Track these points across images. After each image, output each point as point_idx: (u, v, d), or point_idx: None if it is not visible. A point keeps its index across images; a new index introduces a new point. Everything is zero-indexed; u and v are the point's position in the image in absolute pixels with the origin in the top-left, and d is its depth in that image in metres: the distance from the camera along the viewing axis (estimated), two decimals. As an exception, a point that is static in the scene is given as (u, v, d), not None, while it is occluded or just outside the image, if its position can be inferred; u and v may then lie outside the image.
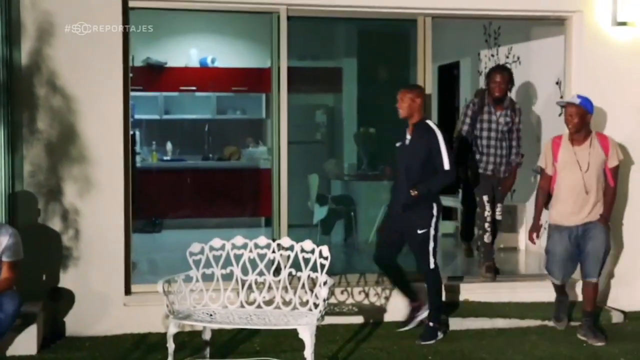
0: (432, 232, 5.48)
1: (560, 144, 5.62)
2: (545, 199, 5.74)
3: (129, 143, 5.94)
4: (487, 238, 6.50)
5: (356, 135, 8.87)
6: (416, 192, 5.40)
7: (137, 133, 9.63)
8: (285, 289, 4.85)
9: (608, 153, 5.55)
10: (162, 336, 4.66)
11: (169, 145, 10.09)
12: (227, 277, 4.91)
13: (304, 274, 4.82)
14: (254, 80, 9.88)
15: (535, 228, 5.74)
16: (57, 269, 5.73)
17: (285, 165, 6.26)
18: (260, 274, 4.89)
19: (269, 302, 4.88)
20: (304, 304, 4.79)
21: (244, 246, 4.92)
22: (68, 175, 5.70)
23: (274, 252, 4.93)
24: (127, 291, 5.86)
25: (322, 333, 5.26)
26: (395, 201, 5.66)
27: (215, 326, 4.75)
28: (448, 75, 9.76)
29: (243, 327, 5.06)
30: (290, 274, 4.87)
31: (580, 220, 5.54)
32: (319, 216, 8.28)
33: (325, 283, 4.66)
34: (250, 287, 4.90)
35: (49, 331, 5.58)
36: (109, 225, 5.76)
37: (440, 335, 5.56)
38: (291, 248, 4.90)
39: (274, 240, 5.07)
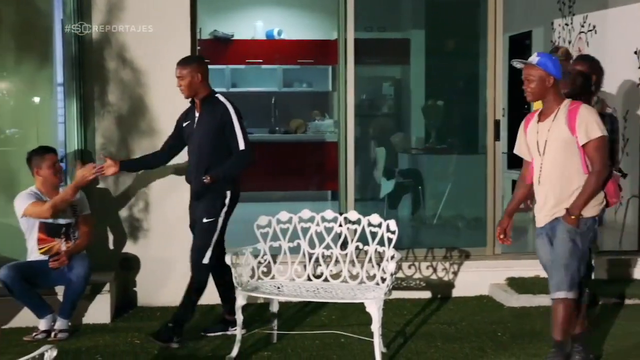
0: (220, 222, 4.84)
1: (531, 120, 4.30)
2: (525, 191, 4.42)
3: (196, 116, 5.97)
4: None
5: (424, 107, 8.74)
6: (208, 178, 4.74)
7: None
8: (352, 262, 4.82)
9: (574, 127, 4.06)
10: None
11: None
12: (294, 251, 4.91)
13: (371, 248, 4.78)
14: (321, 53, 9.83)
15: (501, 225, 4.45)
16: (128, 239, 5.83)
17: (351, 138, 6.21)
18: (327, 247, 4.87)
19: (335, 276, 4.86)
20: (371, 278, 4.75)
21: (311, 219, 4.90)
22: (137, 147, 5.78)
23: (340, 225, 4.89)
24: (196, 263, 5.92)
25: (389, 307, 5.23)
26: (191, 188, 5.00)
27: (283, 299, 4.76)
28: (519, 46, 9.49)
29: (310, 300, 5.06)
30: (357, 247, 4.84)
31: (545, 219, 4.22)
32: (386, 190, 8.22)
33: (392, 257, 4.60)
34: (317, 260, 4.89)
35: (121, 300, 5.71)
36: (178, 197, 5.81)
37: (175, 343, 4.78)
38: (358, 222, 4.85)
39: (340, 213, 5.03)
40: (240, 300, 4.59)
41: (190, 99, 4.95)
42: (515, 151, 4.43)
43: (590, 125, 4.03)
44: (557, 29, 8.72)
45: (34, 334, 4.97)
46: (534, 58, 4.16)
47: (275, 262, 4.89)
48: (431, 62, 8.85)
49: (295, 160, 9.70)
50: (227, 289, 4.98)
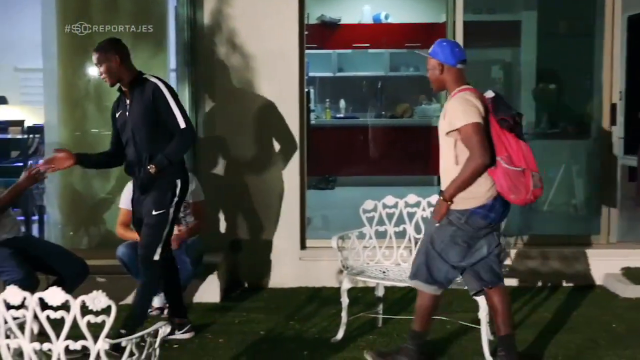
0: (170, 214, 4.37)
1: None
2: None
3: (304, 100, 6.02)
4: None
5: (535, 91, 8.47)
6: (154, 167, 4.26)
7: (312, 91, 9.78)
8: (459, 248, 4.75)
9: (445, 117, 3.90)
10: (336, 291, 4.73)
11: (342, 103, 10.18)
12: (400, 235, 4.88)
13: (479, 234, 4.68)
14: (428, 36, 9.64)
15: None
16: (237, 222, 5.96)
17: (460, 122, 6.09)
18: (434, 232, 4.82)
19: (442, 262, 4.80)
20: (478, 264, 4.67)
21: (417, 204, 4.85)
22: (246, 131, 5.88)
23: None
24: (302, 246, 6.00)
25: (497, 295, 5.12)
26: (134, 183, 4.52)
27: (388, 283, 4.74)
28: (639, 27, 9.05)
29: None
30: (465, 233, 4.76)
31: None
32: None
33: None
34: (423, 245, 4.84)
35: (230, 281, 5.85)
36: (285, 181, 5.90)
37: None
38: (466, 208, 4.77)
39: (448, 199, 4.96)
40: (346, 284, 4.61)
41: (117, 87, 4.47)
42: None
43: (453, 114, 3.82)
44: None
45: (149, 310, 5.16)
46: (431, 47, 4.00)
47: (381, 246, 4.88)
48: (543, 44, 8.56)
49: (401, 145, 9.63)
50: (172, 289, 4.69)
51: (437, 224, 3.93)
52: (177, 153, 4.34)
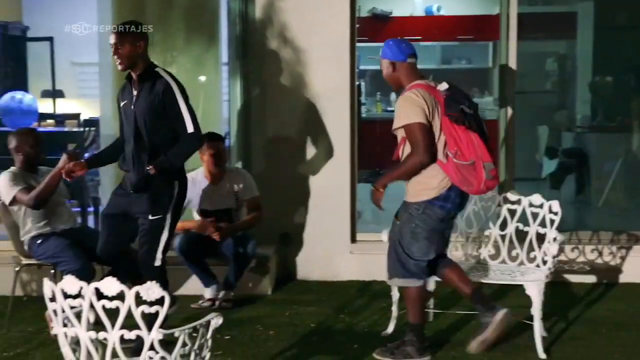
0: (168, 219, 4.12)
1: None
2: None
3: (355, 94, 6.01)
4: None
5: (591, 84, 8.33)
6: (153, 168, 4.01)
7: (362, 84, 9.75)
8: (511, 243, 4.70)
9: (395, 113, 4.08)
10: (386, 284, 4.70)
11: (393, 96, 10.11)
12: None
13: (532, 229, 4.62)
14: (481, 28, 9.57)
15: None
16: (288, 215, 5.98)
17: (512, 115, 6.02)
18: (485, 227, 4.77)
19: (493, 257, 4.76)
20: (531, 260, 4.61)
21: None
22: (297, 125, 5.90)
23: (499, 205, 4.77)
24: (353, 239, 5.99)
25: (550, 291, 5.04)
26: (124, 179, 4.27)
27: (439, 277, 4.70)
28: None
29: (467, 280, 4.98)
30: (516, 228, 4.70)
31: None
32: (548, 170, 7.93)
33: (554, 239, 4.43)
34: (474, 240, 4.80)
35: (281, 274, 5.88)
36: (336, 175, 5.90)
37: None
38: (518, 202, 4.71)
39: (499, 193, 4.91)
40: (397, 278, 4.59)
41: (127, 74, 4.19)
42: None
43: (397, 113, 4.02)
44: None
45: (200, 301, 5.23)
46: (380, 50, 4.17)
47: (432, 240, 4.85)
48: (600, 36, 8.40)
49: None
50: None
51: (398, 222, 4.10)
52: (182, 157, 4.11)
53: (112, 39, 4.02)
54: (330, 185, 5.89)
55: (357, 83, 6.16)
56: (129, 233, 4.28)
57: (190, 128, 4.02)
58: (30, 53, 9.50)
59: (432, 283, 4.81)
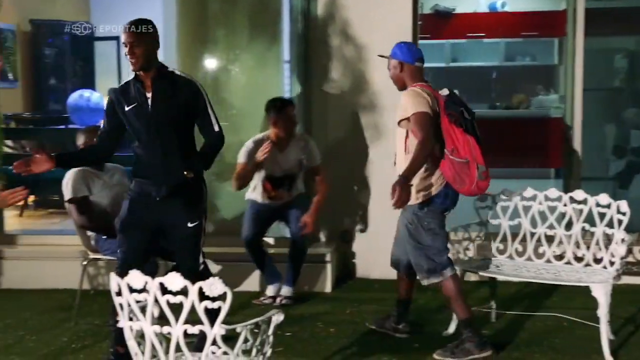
0: (204, 224, 4.03)
1: None
2: None
3: (417, 91, 5.95)
4: None
5: (663, 81, 8.09)
6: (191, 173, 3.81)
7: (424, 81, 9.67)
8: (577, 244, 4.60)
9: (399, 106, 4.24)
10: (447, 284, 4.68)
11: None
12: (515, 229, 4.77)
13: (599, 230, 4.52)
14: (546, 24, 9.38)
15: None
16: (348, 213, 5.98)
17: (579, 114, 5.90)
18: (550, 227, 4.68)
19: (559, 257, 4.66)
20: (597, 261, 4.50)
21: (533, 198, 4.72)
22: (358, 122, 5.88)
23: (565, 205, 4.67)
24: (413, 237, 5.95)
25: (618, 293, 4.90)
26: (150, 185, 3.92)
27: (502, 278, 4.64)
28: None
29: (531, 281, 4.89)
30: (583, 228, 4.60)
31: None
32: (616, 169, 7.73)
33: (622, 240, 4.32)
34: (539, 240, 4.71)
35: (341, 271, 5.88)
36: (396, 172, 5.85)
37: None
38: (584, 202, 4.61)
39: (565, 192, 4.81)
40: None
41: (133, 76, 3.90)
42: None
43: (403, 105, 4.17)
44: None
45: (262, 298, 5.27)
46: (391, 50, 4.37)
47: (494, 240, 4.78)
48: (672, 31, 8.14)
49: (516, 137, 9.38)
50: None
51: (409, 226, 4.24)
52: (213, 158, 3.96)
53: (127, 38, 3.78)
54: (391, 183, 5.84)
55: (419, 80, 6.10)
56: (151, 246, 4.04)
57: (216, 127, 3.93)
58: (98, 52, 9.74)
59: (494, 283, 4.75)
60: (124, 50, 3.80)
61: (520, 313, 4.86)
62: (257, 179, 5.32)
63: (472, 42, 10.08)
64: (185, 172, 3.79)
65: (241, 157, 5.27)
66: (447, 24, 9.81)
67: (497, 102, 9.89)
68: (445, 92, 4.26)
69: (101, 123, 4.05)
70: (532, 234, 4.72)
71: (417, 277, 4.33)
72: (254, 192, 5.38)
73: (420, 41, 6.01)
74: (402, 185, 3.95)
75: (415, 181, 4.13)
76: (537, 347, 4.38)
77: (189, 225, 3.94)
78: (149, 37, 3.81)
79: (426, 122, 4.08)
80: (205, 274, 3.92)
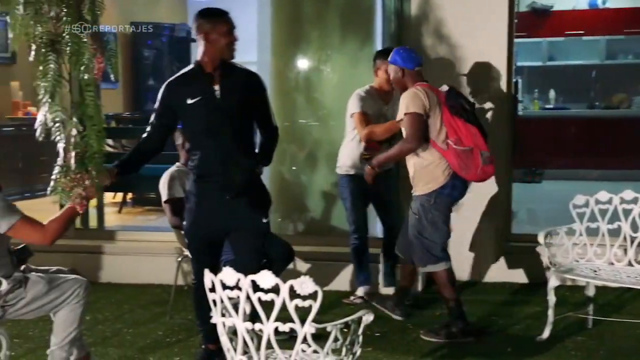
0: (270, 219, 3.93)
1: None
2: None
3: (511, 91, 5.84)
4: None
5: None
6: (261, 168, 3.82)
7: (519, 81, 9.48)
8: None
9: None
10: (541, 287, 4.56)
11: (552, 93, 9.77)
12: (614, 233, 4.60)
13: None
14: (650, 21, 9.05)
15: None
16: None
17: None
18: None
19: (662, 263, 4.47)
20: None
21: (634, 200, 4.55)
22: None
23: (671, 208, 4.48)
24: (508, 240, 5.83)
25: None
26: (219, 184, 3.71)
27: (600, 283, 4.49)
28: None
29: (631, 287, 4.71)
30: (689, 233, 4.40)
31: None
32: None
33: None
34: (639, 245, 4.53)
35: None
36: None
37: None
38: (691, 205, 4.41)
39: (670, 195, 4.61)
40: (553, 281, 4.42)
41: (190, 68, 3.80)
42: None
43: (402, 105, 4.45)
44: None
45: (352, 298, 5.27)
46: (390, 56, 4.65)
47: (592, 244, 4.63)
48: None
49: (616, 137, 9.08)
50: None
51: (414, 216, 4.50)
52: (274, 152, 3.88)
53: (231, 25, 3.70)
54: (485, 184, 5.72)
55: (514, 80, 5.98)
56: (219, 250, 3.90)
57: (275, 121, 3.88)
58: (194, 53, 9.98)
59: (591, 288, 4.60)
60: (224, 40, 3.65)
61: (620, 320, 4.69)
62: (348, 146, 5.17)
63: (570, 40, 9.81)
64: (260, 165, 3.79)
65: (356, 107, 5.05)
66: (545, 21, 9.59)
67: (596, 101, 9.59)
68: (445, 88, 4.55)
69: (151, 117, 3.87)
70: (633, 239, 4.54)
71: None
72: (348, 161, 5.14)
73: (516, 39, 5.87)
74: (369, 170, 4.60)
75: (425, 171, 4.44)
76: (636, 356, 4.21)
77: (264, 220, 3.83)
78: (216, 33, 3.69)
79: (415, 122, 4.38)
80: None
